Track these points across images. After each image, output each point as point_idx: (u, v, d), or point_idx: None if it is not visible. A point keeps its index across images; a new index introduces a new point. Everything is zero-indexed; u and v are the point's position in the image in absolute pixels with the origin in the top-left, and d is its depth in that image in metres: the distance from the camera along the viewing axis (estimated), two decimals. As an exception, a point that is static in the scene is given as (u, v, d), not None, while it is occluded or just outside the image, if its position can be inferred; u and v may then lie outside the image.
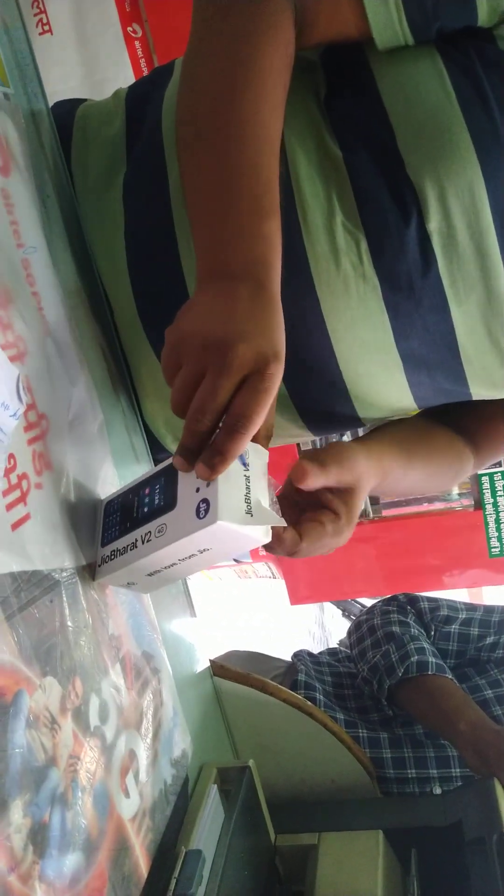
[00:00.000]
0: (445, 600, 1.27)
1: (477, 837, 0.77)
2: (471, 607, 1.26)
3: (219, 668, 0.87)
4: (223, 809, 0.75)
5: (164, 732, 0.68)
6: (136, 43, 1.93)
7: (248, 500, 0.51)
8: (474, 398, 0.72)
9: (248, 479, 0.52)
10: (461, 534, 2.91)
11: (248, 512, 0.50)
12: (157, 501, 0.55)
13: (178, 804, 0.69)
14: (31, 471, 0.50)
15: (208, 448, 0.50)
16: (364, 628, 1.24)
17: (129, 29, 1.92)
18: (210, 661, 0.87)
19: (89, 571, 0.56)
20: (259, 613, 4.80)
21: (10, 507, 0.47)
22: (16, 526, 0.47)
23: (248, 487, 0.51)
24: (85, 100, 0.78)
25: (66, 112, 0.74)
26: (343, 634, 1.44)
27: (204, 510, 0.50)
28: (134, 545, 0.55)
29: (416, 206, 0.59)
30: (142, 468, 0.76)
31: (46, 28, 1.91)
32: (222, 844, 0.71)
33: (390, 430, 0.77)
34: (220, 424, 0.50)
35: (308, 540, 0.59)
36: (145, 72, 1.94)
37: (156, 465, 0.84)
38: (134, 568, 0.56)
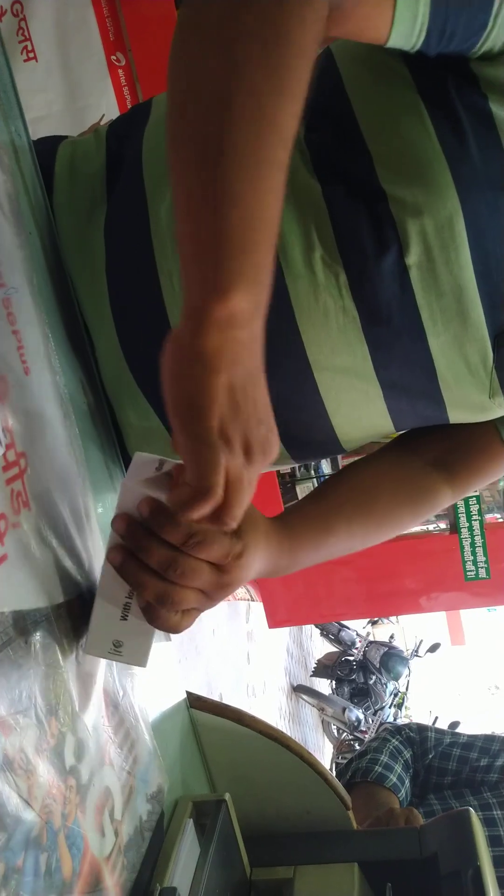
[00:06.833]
0: (451, 731, 1.52)
1: (453, 871, 0.77)
2: (474, 735, 1.50)
3: (195, 700, 0.87)
4: (198, 844, 0.74)
5: (140, 768, 0.67)
6: (120, 71, 1.95)
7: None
8: (452, 422, 0.73)
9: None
10: (437, 557, 2.94)
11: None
12: None
13: (154, 840, 0.68)
14: (8, 511, 0.50)
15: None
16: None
17: (112, 57, 1.94)
18: (187, 692, 0.87)
19: (66, 610, 0.57)
20: (237, 634, 4.77)
21: (-13, 548, 0.47)
22: (-7, 567, 0.47)
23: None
24: (66, 136, 0.79)
25: (49, 149, 0.75)
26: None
27: None
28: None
29: (396, 240, 0.60)
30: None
31: (31, 55, 1.93)
32: (197, 880, 0.70)
33: (326, 495, 0.76)
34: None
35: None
36: (128, 100, 1.97)
37: None
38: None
